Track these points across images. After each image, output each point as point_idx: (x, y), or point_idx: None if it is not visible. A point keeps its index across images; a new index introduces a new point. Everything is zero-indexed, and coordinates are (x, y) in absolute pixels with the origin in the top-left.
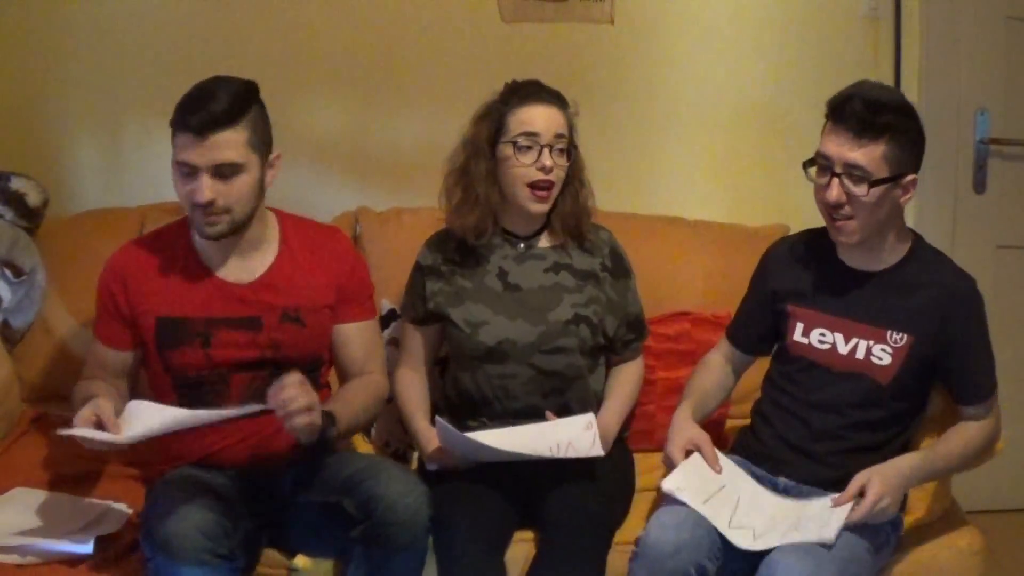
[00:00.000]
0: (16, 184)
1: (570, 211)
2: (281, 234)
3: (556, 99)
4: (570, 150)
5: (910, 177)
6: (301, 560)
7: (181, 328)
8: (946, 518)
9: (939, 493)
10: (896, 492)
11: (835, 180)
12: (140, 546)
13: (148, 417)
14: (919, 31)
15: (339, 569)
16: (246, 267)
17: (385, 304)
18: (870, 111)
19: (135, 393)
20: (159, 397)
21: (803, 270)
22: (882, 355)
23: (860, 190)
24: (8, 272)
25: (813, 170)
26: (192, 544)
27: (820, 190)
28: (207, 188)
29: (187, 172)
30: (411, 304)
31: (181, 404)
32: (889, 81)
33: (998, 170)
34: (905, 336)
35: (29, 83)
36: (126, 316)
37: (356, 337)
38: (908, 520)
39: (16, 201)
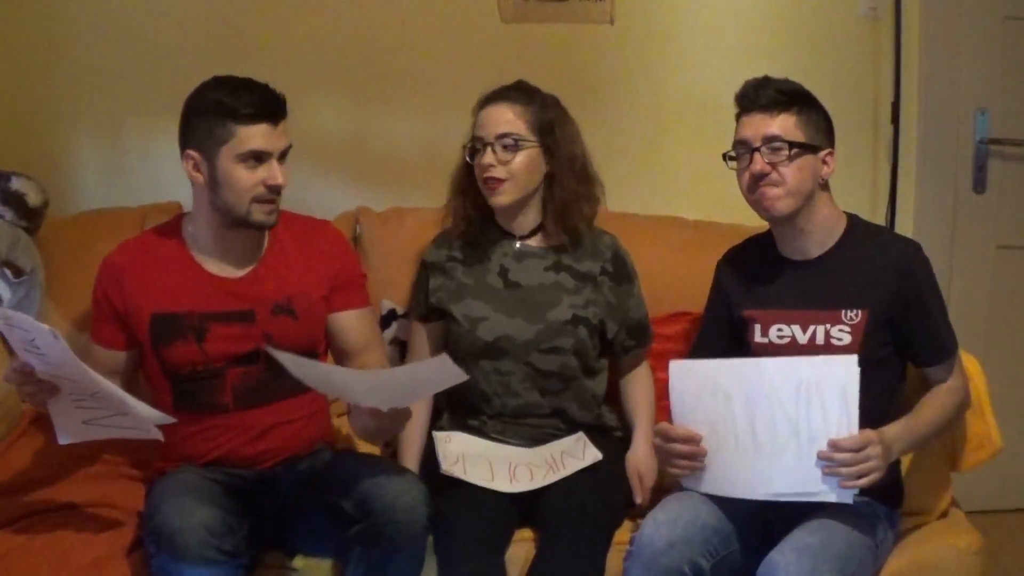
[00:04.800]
0: (16, 184)
1: (558, 207)
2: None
3: (509, 97)
4: (518, 141)
5: (826, 151)
6: (301, 560)
7: (175, 323)
8: (946, 518)
9: (939, 493)
10: (884, 458)
11: (756, 155)
12: (143, 544)
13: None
14: (919, 31)
15: (338, 569)
16: (237, 261)
17: (385, 304)
18: (777, 91)
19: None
20: (157, 395)
21: (750, 274)
22: (841, 335)
23: (781, 156)
24: (8, 272)
25: (734, 163)
26: (198, 541)
27: (742, 173)
28: (281, 172)
29: (256, 160)
30: (416, 301)
31: (178, 403)
32: (889, 81)
33: (998, 170)
34: (859, 312)
35: (29, 83)
36: (121, 316)
37: (353, 325)
38: (908, 520)
39: (16, 201)
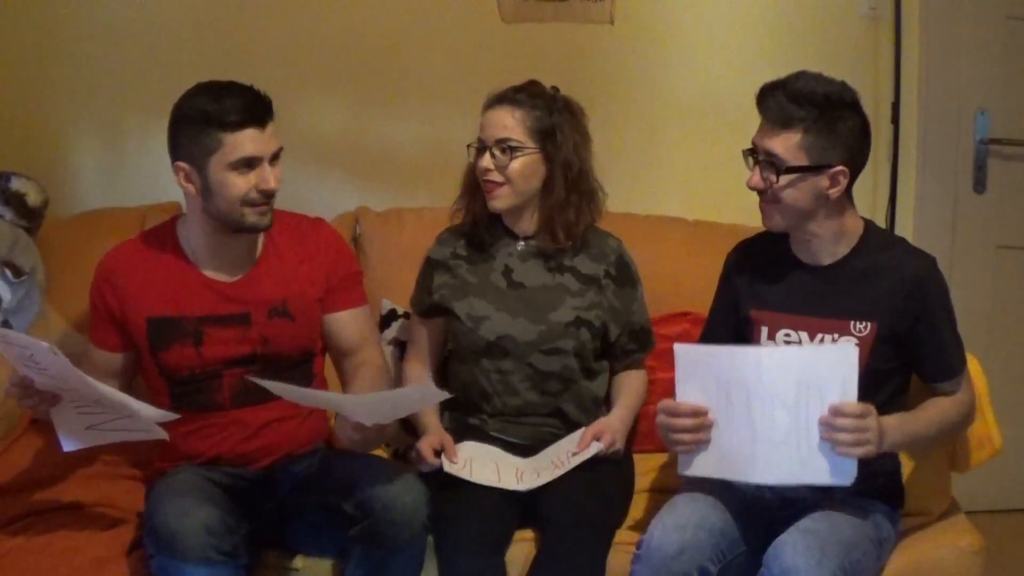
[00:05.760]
0: (16, 184)
1: (546, 213)
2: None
3: (514, 100)
4: (514, 148)
5: (837, 168)
6: (301, 560)
7: (172, 328)
8: (946, 518)
9: (939, 493)
10: (878, 434)
11: (756, 167)
12: (142, 544)
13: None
14: (919, 31)
15: (338, 569)
16: (233, 264)
17: (385, 304)
18: (790, 101)
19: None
20: (155, 398)
21: (761, 272)
22: None
23: (773, 177)
24: (8, 272)
25: (752, 160)
26: (197, 541)
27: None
28: (273, 175)
29: (247, 166)
30: (419, 297)
31: (175, 404)
32: (889, 81)
33: (998, 170)
34: (868, 324)
35: (29, 83)
36: (117, 318)
37: (350, 324)
38: (908, 520)
39: (16, 201)
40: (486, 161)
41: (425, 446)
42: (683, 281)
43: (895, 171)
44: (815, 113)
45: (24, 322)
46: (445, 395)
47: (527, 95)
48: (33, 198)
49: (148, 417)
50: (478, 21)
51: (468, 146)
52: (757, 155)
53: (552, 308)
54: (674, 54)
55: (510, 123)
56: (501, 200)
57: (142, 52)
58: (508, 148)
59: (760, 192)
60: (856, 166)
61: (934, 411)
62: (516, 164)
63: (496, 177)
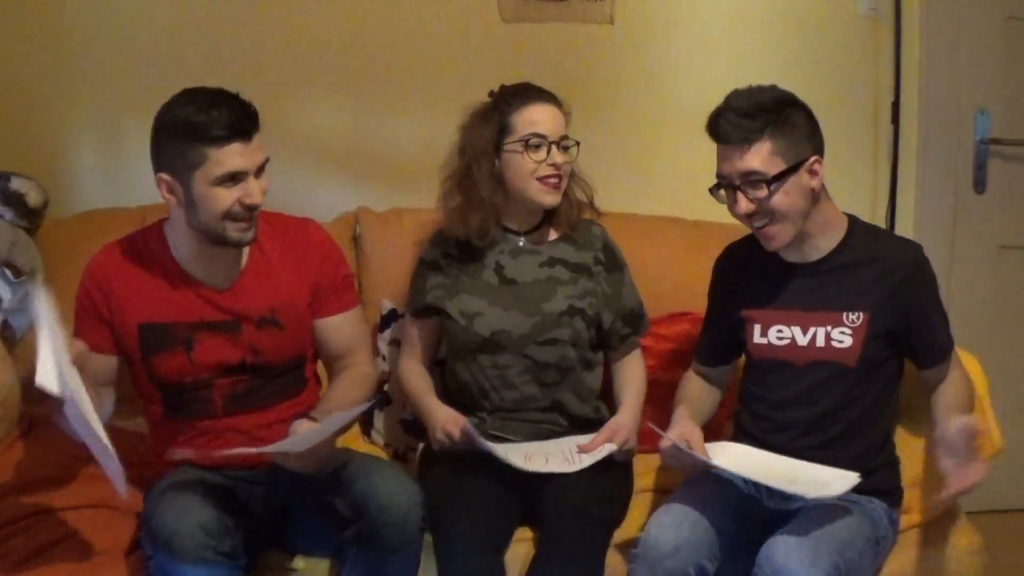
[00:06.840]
0: (16, 184)
1: (573, 203)
2: None
3: (554, 99)
4: (571, 146)
5: (811, 160)
6: (301, 560)
7: (164, 334)
8: (946, 518)
9: (940, 493)
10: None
11: (738, 193)
12: (141, 544)
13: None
14: (919, 31)
15: (337, 569)
16: (220, 272)
17: (385, 304)
18: (744, 118)
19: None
20: (148, 406)
21: (750, 273)
22: (842, 338)
23: (761, 192)
24: (8, 272)
25: (722, 193)
26: (195, 542)
27: (731, 208)
28: (259, 188)
29: (232, 180)
30: (412, 298)
31: (166, 411)
32: (889, 81)
33: (998, 170)
34: (861, 314)
35: (29, 83)
36: (107, 320)
37: (340, 328)
38: (908, 520)
39: (16, 201)
40: (559, 156)
41: (451, 426)
42: (683, 281)
43: (895, 171)
44: (771, 118)
45: (24, 322)
46: (365, 406)
47: (548, 93)
48: (33, 198)
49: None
50: (478, 21)
51: (523, 142)
52: (732, 183)
53: (545, 299)
54: (674, 54)
55: (562, 119)
56: (560, 195)
57: (142, 52)
58: (568, 144)
59: (750, 216)
60: (822, 152)
61: (957, 402)
62: (570, 159)
63: (564, 171)
